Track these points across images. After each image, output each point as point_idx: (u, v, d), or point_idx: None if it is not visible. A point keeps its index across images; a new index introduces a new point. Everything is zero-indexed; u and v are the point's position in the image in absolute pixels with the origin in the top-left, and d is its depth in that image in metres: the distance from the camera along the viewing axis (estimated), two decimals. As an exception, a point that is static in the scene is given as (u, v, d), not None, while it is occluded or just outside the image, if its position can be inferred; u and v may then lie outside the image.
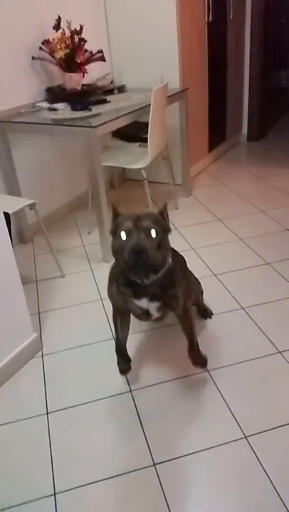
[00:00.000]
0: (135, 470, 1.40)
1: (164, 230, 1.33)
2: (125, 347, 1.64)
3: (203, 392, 1.66)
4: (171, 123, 3.10)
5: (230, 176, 3.76)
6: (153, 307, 1.46)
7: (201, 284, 2.02)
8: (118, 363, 1.66)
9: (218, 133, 4.11)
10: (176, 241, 2.76)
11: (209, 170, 3.93)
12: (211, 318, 2.03)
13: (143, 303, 1.43)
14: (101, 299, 2.22)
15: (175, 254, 1.59)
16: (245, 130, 4.62)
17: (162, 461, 1.42)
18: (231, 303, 2.15)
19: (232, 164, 4.04)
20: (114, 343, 1.89)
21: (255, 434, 1.48)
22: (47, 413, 1.62)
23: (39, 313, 2.17)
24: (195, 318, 1.71)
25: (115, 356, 1.67)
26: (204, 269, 2.44)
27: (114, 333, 1.59)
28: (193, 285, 1.84)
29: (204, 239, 2.77)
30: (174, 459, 1.43)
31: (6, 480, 1.41)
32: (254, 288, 2.25)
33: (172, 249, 1.53)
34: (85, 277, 2.47)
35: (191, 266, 2.43)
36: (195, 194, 3.45)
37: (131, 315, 1.62)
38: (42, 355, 1.89)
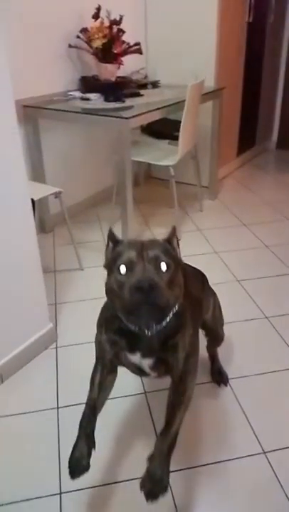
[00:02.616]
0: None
1: (176, 261, 0.98)
2: (96, 417, 1.13)
3: (221, 402, 1.58)
4: (202, 122, 3.03)
5: (257, 182, 3.67)
6: (146, 364, 1.09)
7: (223, 289, 1.92)
8: (75, 446, 1.08)
9: (248, 137, 4.02)
10: (199, 243, 2.69)
11: (236, 174, 3.84)
12: (226, 385, 1.64)
13: (136, 358, 1.08)
14: (119, 295, 2.16)
15: (190, 278, 1.23)
16: (275, 137, 4.51)
17: (174, 469, 1.34)
18: (254, 311, 2.06)
19: (260, 170, 3.95)
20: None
21: (274, 450, 1.40)
22: (57, 407, 1.56)
23: (56, 303, 2.12)
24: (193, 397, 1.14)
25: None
26: (227, 274, 2.36)
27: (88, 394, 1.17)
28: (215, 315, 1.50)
29: (228, 243, 2.69)
30: (187, 468, 1.35)
31: (12, 473, 1.35)
32: (279, 298, 2.16)
33: (185, 268, 1.19)
34: (104, 272, 2.40)
35: (213, 269, 2.39)
36: (221, 197, 3.37)
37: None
38: (56, 347, 1.84)
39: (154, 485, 0.98)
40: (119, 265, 0.92)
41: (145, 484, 0.98)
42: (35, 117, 2.54)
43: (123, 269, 0.92)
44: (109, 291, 0.98)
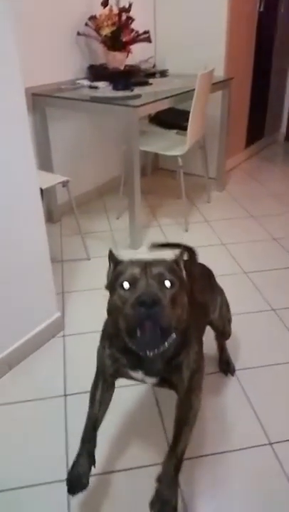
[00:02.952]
0: (152, 465, 1.34)
1: (181, 281, 0.96)
2: (97, 432, 1.16)
3: (227, 393, 1.59)
4: (210, 113, 2.99)
5: (265, 175, 3.64)
6: (149, 381, 1.11)
7: (230, 281, 1.92)
8: (76, 463, 1.12)
9: (256, 129, 3.98)
10: (206, 235, 2.68)
11: (244, 166, 3.81)
12: (232, 375, 1.65)
13: (138, 375, 1.08)
14: (126, 286, 2.16)
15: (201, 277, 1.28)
16: (284, 129, 4.46)
17: (181, 458, 1.35)
18: (261, 303, 2.05)
19: (268, 163, 3.91)
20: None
21: (280, 442, 1.40)
22: (65, 395, 1.57)
23: (63, 292, 2.12)
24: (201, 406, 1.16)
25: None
26: (234, 266, 2.35)
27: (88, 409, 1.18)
28: (222, 309, 1.49)
29: (235, 235, 2.68)
30: (193, 458, 1.36)
31: (21, 460, 1.36)
32: (286, 290, 2.15)
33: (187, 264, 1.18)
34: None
35: (220, 261, 2.38)
36: (228, 189, 3.35)
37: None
38: (63, 336, 1.85)
39: (163, 505, 1.01)
40: (122, 281, 0.91)
41: (154, 505, 1.01)
42: (43, 106, 2.52)
43: (126, 285, 0.90)
44: (112, 309, 0.96)
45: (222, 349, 1.67)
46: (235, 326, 1.68)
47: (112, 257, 1.01)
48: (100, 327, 1.73)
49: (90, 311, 1.96)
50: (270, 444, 1.40)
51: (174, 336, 0.96)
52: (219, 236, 2.66)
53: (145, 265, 0.92)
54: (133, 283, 0.90)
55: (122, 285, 0.91)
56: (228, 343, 1.69)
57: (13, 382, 1.64)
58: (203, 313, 1.28)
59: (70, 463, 1.32)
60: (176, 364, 1.05)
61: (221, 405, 1.54)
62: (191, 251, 1.52)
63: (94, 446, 1.14)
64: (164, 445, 1.39)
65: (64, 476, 1.30)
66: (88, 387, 1.58)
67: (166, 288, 0.90)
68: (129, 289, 0.90)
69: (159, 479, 1.06)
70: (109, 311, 0.98)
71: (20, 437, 1.43)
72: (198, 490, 1.27)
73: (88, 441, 1.14)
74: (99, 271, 2.30)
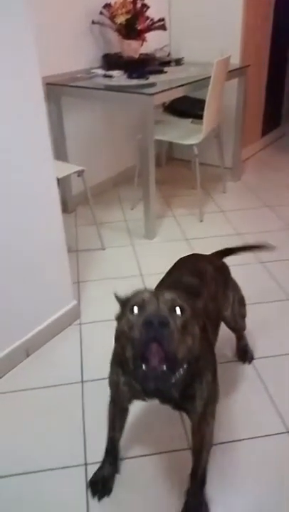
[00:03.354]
0: (170, 451, 1.34)
1: (193, 310, 0.91)
2: (118, 445, 1.28)
3: (244, 380, 1.58)
4: (225, 102, 2.95)
5: (281, 164, 3.58)
6: (164, 407, 1.09)
7: (246, 271, 1.90)
8: (100, 467, 1.27)
9: (272, 118, 3.92)
10: (221, 225, 2.66)
11: (260, 156, 3.76)
12: (249, 363, 1.65)
13: (153, 402, 1.06)
14: (140, 275, 2.16)
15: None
16: (300, 117, 4.38)
17: (198, 445, 1.35)
18: (278, 292, 2.03)
19: (284, 152, 3.85)
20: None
21: (298, 430, 1.39)
22: (82, 381, 1.59)
23: (78, 282, 2.14)
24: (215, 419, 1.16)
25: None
26: (250, 256, 2.32)
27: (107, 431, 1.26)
28: (235, 306, 1.46)
29: (251, 225, 2.65)
30: (210, 445, 1.36)
31: (37, 444, 1.38)
32: (304, 279, 2.12)
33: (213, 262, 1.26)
34: (126, 252, 2.41)
35: (235, 251, 2.36)
36: (244, 179, 3.31)
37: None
38: (80, 323, 1.86)
39: None
40: (132, 305, 0.88)
41: None
42: (58, 95, 2.52)
43: (136, 309, 0.87)
44: (120, 333, 0.92)
45: (239, 337, 1.66)
46: (252, 315, 1.67)
47: (117, 299, 0.98)
48: (115, 316, 1.72)
49: (105, 300, 1.96)
50: (288, 432, 1.39)
51: (184, 366, 0.92)
52: (234, 226, 2.64)
53: (157, 292, 0.90)
54: (142, 306, 0.87)
55: (131, 309, 0.88)
56: (245, 333, 1.68)
57: (30, 368, 1.66)
58: (215, 327, 1.27)
59: (87, 448, 1.35)
60: (190, 393, 1.03)
61: (237, 393, 1.53)
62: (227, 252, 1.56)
63: (117, 456, 1.29)
64: (182, 434, 1.40)
65: (82, 460, 1.32)
66: (105, 374, 1.58)
67: (177, 314, 0.86)
68: (138, 314, 0.86)
69: (187, 494, 1.20)
70: (117, 337, 0.95)
71: (38, 422, 1.45)
72: (215, 477, 1.27)
73: (112, 455, 1.27)
74: (114, 260, 2.34)
